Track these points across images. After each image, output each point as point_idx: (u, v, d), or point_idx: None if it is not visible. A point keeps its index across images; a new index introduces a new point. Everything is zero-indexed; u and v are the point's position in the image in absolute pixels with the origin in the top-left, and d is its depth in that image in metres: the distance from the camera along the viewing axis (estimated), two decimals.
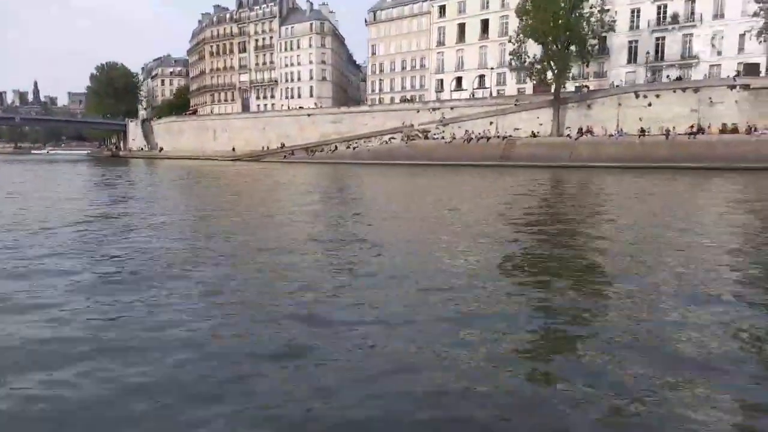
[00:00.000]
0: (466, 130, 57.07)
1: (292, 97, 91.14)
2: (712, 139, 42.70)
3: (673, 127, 44.97)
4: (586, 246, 12.39)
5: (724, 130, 43.80)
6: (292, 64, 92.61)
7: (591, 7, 49.90)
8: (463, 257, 11.08)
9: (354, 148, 64.54)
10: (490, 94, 65.28)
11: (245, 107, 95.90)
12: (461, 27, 71.59)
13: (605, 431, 4.55)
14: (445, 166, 48.44)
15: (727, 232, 13.97)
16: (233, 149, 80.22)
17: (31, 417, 4.76)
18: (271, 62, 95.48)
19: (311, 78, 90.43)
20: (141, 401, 4.94)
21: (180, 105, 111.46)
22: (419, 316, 7.16)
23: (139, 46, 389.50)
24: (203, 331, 6.68)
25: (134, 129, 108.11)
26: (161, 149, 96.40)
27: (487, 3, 68.59)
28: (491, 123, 56.67)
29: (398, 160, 54.62)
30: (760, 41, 46.00)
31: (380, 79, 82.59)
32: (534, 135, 52.89)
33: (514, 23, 56.34)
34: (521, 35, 51.39)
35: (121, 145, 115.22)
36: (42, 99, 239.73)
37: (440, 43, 74.16)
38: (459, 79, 72.06)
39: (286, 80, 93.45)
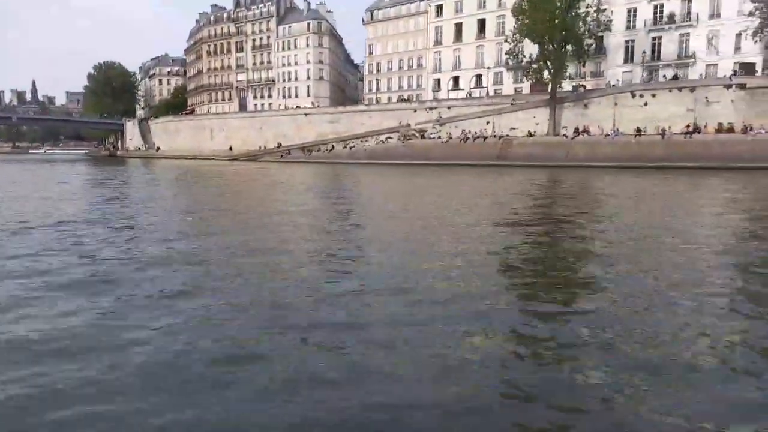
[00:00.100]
0: (463, 130, 57.02)
1: (290, 96, 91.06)
2: (708, 138, 42.70)
3: (669, 127, 44.99)
4: (581, 247, 12.32)
5: (720, 129, 43.82)
6: (289, 64, 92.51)
7: (587, 7, 49.89)
8: (457, 257, 11.05)
9: (351, 148, 64.51)
10: (487, 93, 65.25)
11: (242, 107, 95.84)
12: (458, 26, 71.56)
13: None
14: (441, 165, 48.40)
15: (720, 233, 13.96)
16: (230, 149, 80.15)
17: None
18: (269, 62, 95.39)
19: (308, 77, 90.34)
20: (122, 401, 4.96)
21: (177, 104, 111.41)
22: (417, 317, 7.14)
23: (139, 46, 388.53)
24: (181, 331, 6.64)
25: (131, 128, 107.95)
26: (158, 149, 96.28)
27: (484, 3, 68.54)
28: (488, 123, 56.63)
29: (395, 160, 54.59)
30: (756, 41, 46.02)
31: (377, 79, 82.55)
32: (530, 135, 52.87)
33: (511, 23, 56.26)
34: (517, 35, 51.40)
35: (119, 144, 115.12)
36: (40, 98, 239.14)
37: (437, 43, 74.13)
38: (456, 79, 72.04)
39: (284, 80, 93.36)
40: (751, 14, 45.11)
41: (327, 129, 69.99)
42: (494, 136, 54.28)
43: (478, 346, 6.24)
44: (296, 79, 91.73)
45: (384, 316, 7.21)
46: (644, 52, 56.35)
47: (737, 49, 51.48)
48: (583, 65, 57.46)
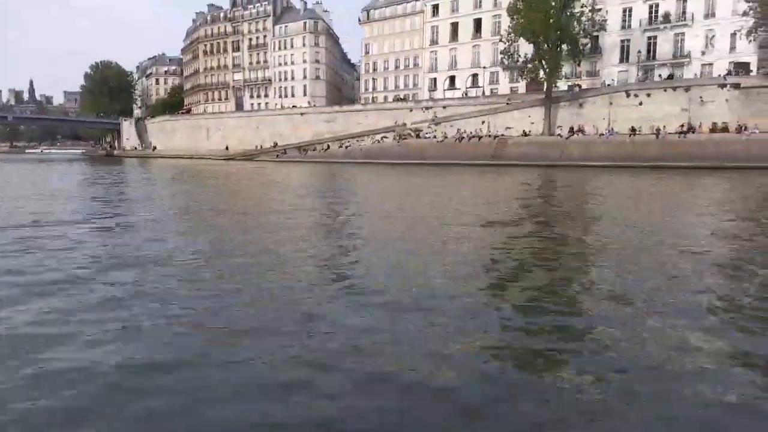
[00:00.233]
0: (458, 130, 56.98)
1: (286, 96, 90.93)
2: (702, 138, 42.70)
3: (664, 126, 44.95)
4: (578, 249, 12.24)
5: (714, 129, 43.81)
6: (285, 63, 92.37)
7: (582, 7, 49.82)
8: (447, 258, 11.00)
9: (346, 147, 64.44)
10: (483, 93, 65.18)
11: (239, 106, 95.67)
12: (454, 26, 71.49)
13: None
14: (436, 165, 48.35)
15: (711, 233, 13.92)
16: (226, 148, 79.97)
17: None
18: (265, 61, 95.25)
19: (305, 77, 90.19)
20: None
21: (174, 104, 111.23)
22: (412, 320, 7.11)
23: (139, 45, 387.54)
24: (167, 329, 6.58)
25: (128, 128, 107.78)
26: (155, 148, 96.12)
27: (480, 2, 68.48)
28: (483, 122, 56.59)
29: (390, 159, 54.50)
30: (750, 40, 45.99)
31: (374, 78, 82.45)
32: (525, 134, 52.83)
33: (506, 22, 56.10)
34: (512, 34, 51.35)
35: (116, 144, 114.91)
36: (38, 98, 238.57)
37: (433, 42, 74.03)
38: (452, 78, 71.97)
39: (280, 79, 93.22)
40: (745, 14, 45.08)
41: (323, 128, 69.89)
42: (489, 136, 54.22)
43: (468, 346, 6.21)
44: (293, 78, 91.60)
45: (377, 314, 7.19)
46: (639, 51, 56.36)
47: (732, 48, 51.44)
48: (579, 65, 57.41)
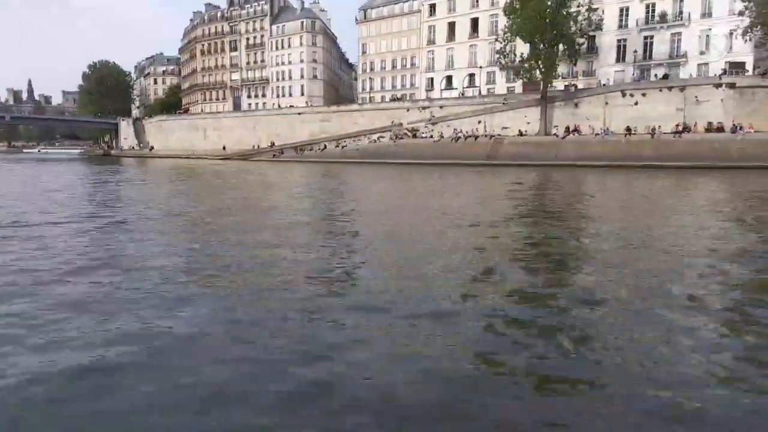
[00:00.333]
0: (455, 129, 56.88)
1: (284, 95, 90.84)
2: (697, 138, 42.60)
3: (659, 126, 44.87)
4: (575, 251, 12.08)
5: (709, 128, 43.73)
6: (283, 63, 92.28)
7: (578, 6, 49.72)
8: (439, 259, 10.91)
9: (343, 147, 64.37)
10: (480, 92, 65.10)
11: (236, 106, 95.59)
12: (451, 26, 71.41)
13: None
14: (432, 165, 48.22)
15: (700, 235, 13.79)
16: (224, 148, 79.85)
17: None
18: (262, 61, 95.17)
19: (302, 76, 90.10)
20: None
21: (172, 104, 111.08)
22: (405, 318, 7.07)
23: (139, 45, 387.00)
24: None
25: (126, 128, 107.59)
26: (152, 148, 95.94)
27: (477, 2, 68.43)
28: (479, 122, 56.51)
29: (386, 159, 54.35)
30: (746, 40, 45.89)
31: (371, 78, 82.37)
32: (521, 134, 52.74)
33: (504, 22, 56.09)
34: (508, 34, 51.26)
35: (114, 143, 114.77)
36: (36, 98, 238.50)
37: (430, 42, 73.95)
38: (449, 78, 71.90)
39: (277, 79, 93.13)
40: (741, 13, 44.99)
41: (320, 128, 69.80)
42: (485, 136, 54.13)
43: (442, 349, 6.15)
44: (290, 78, 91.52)
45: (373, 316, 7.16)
46: (635, 51, 56.28)
47: (729, 48, 51.38)
48: (575, 64, 57.36)
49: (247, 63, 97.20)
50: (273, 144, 72.36)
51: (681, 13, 54.33)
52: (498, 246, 12.23)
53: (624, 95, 49.22)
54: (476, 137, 54.27)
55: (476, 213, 18.24)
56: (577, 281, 9.14)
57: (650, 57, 56.30)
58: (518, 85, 61.40)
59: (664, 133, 44.25)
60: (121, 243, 12.47)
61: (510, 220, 16.54)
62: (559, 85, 56.23)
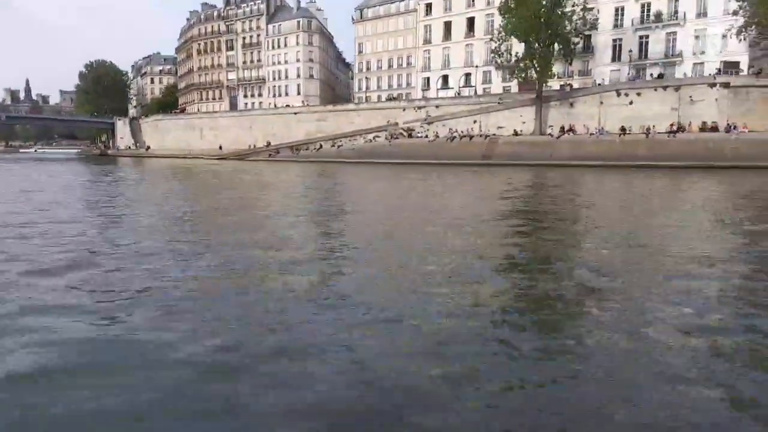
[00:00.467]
0: (450, 129, 56.93)
1: (280, 95, 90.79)
2: (692, 137, 42.73)
3: (653, 126, 44.96)
4: (573, 252, 12.04)
5: (704, 128, 43.86)
6: (279, 62, 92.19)
7: (574, 6, 49.79)
8: (433, 261, 10.96)
9: (339, 147, 64.40)
10: (476, 92, 65.11)
11: (233, 105, 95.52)
12: (447, 25, 71.43)
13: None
14: (427, 165, 48.24)
15: (692, 234, 13.86)
16: (220, 148, 79.85)
17: None
18: (259, 60, 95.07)
19: (298, 76, 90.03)
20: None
21: (169, 103, 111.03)
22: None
23: (136, 45, 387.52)
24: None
25: (122, 127, 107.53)
26: (148, 148, 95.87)
27: (473, 1, 68.43)
28: (475, 121, 56.57)
29: (382, 159, 54.35)
30: (740, 39, 46.02)
31: (367, 77, 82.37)
32: (516, 134, 52.82)
33: (499, 21, 56.15)
34: (503, 33, 51.31)
35: (110, 143, 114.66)
36: (33, 97, 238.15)
37: (426, 41, 73.97)
38: (445, 77, 71.90)
39: (274, 78, 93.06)
40: (735, 13, 45.12)
41: (316, 128, 69.82)
42: (481, 135, 54.19)
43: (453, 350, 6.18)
44: (286, 77, 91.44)
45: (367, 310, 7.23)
46: (631, 50, 56.38)
47: (724, 47, 51.52)
48: (570, 64, 57.42)
49: (244, 62, 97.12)
50: (269, 144, 72.35)
51: (676, 12, 54.47)
52: (493, 246, 12.26)
53: (619, 95, 49.33)
54: (471, 137, 54.34)
55: (473, 213, 18.28)
56: (577, 281, 9.10)
57: (645, 56, 56.44)
58: (514, 85, 61.44)
59: (659, 132, 44.35)
60: (113, 242, 12.44)
61: (505, 219, 16.59)
62: (554, 84, 56.29)
